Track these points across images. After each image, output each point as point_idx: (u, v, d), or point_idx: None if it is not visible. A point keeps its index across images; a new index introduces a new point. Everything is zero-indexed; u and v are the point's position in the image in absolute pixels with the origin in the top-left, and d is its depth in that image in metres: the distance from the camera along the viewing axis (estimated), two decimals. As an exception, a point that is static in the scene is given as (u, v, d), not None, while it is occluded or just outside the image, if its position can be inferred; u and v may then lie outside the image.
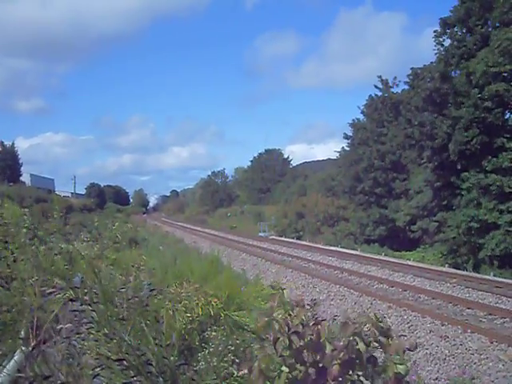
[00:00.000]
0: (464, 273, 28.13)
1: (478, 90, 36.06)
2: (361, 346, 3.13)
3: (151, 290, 4.44)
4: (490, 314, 17.57)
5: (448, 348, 14.11)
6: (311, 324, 3.26)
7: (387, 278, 24.96)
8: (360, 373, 3.16)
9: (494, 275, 26.40)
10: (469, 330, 15.62)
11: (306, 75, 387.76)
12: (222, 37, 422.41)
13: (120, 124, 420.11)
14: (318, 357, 3.18)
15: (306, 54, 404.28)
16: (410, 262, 32.00)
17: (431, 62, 42.05)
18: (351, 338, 3.15)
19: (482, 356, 13.41)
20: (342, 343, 3.15)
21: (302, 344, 3.18)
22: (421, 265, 31.16)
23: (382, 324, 3.21)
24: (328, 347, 3.17)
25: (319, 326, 3.24)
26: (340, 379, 3.11)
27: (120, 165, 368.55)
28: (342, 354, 3.13)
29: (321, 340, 3.19)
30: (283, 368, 3.15)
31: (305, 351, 3.20)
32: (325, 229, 57.01)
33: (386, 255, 37.32)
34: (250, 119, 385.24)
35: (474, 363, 13.10)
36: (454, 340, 14.88)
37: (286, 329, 3.22)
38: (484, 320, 17.04)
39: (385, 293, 21.33)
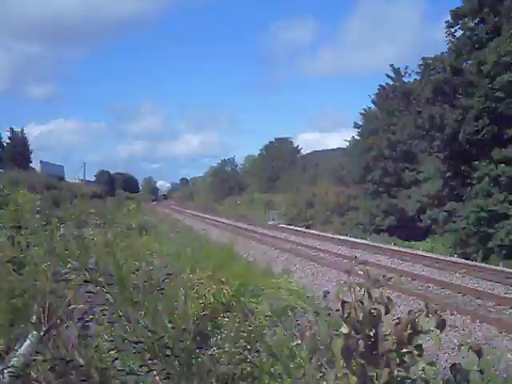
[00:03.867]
0: (473, 263, 28.05)
1: (488, 80, 35.90)
2: (423, 323, 3.19)
3: (168, 274, 4.44)
4: (499, 305, 17.53)
5: (457, 337, 14.10)
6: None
7: (396, 268, 24.94)
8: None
9: (503, 266, 26.34)
10: (477, 320, 15.63)
11: (322, 63, 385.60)
12: (237, 23, 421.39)
13: (132, 111, 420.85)
14: (374, 331, 3.23)
15: (322, 41, 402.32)
16: (419, 252, 31.95)
17: (442, 52, 41.92)
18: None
19: (490, 346, 13.41)
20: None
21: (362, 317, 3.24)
22: (430, 255, 31.07)
23: (439, 316, 3.26)
24: (386, 325, 3.22)
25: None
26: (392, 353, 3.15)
27: (131, 152, 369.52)
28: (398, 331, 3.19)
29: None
30: (342, 329, 3.17)
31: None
32: (334, 218, 57.00)
33: (395, 245, 37.29)
34: (263, 107, 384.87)
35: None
36: (462, 329, 14.88)
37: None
38: (493, 310, 17.00)
39: (394, 282, 21.34)
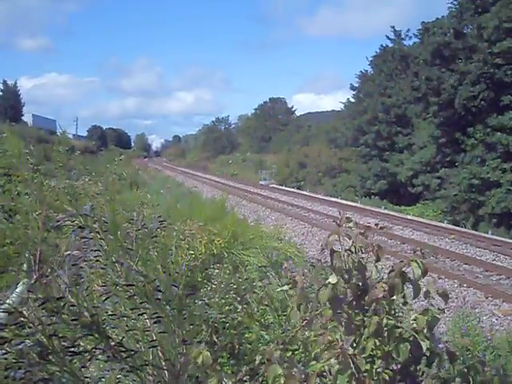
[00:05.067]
0: (463, 229, 28.22)
1: (488, 45, 35.66)
2: (416, 271, 3.20)
3: (161, 222, 4.43)
4: (487, 271, 17.70)
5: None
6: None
7: (386, 231, 25.06)
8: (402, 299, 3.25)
9: (492, 233, 26.49)
10: (465, 285, 15.79)
11: (321, 23, 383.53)
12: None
13: (125, 66, 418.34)
14: (362, 281, 3.26)
15: (320, 1, 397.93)
16: (409, 217, 32.08)
17: (442, 16, 41.59)
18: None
19: (476, 310, 13.55)
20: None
21: (350, 264, 3.26)
22: (420, 219, 31.25)
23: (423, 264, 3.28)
24: (374, 272, 3.24)
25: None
26: (383, 301, 3.18)
27: (123, 108, 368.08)
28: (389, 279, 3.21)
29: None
30: (330, 279, 3.19)
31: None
32: (326, 180, 57.03)
33: (385, 208, 37.40)
34: (258, 67, 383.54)
35: (468, 316, 13.26)
36: (450, 293, 14.99)
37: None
38: (480, 276, 17.17)
39: (384, 244, 21.31)
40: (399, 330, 3.17)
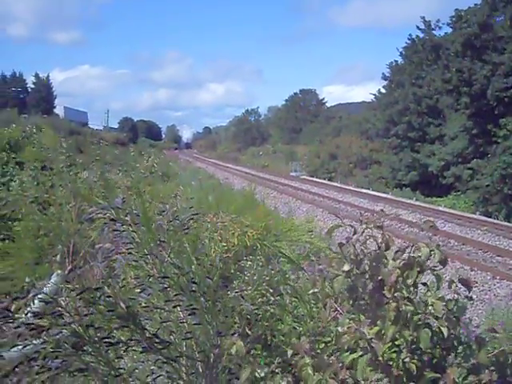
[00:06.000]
0: (495, 221, 27.90)
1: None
2: (424, 250, 3.24)
3: (194, 214, 4.45)
4: (520, 262, 17.54)
5: (476, 293, 14.12)
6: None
7: (417, 222, 24.88)
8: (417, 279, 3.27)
9: (526, 225, 26.17)
10: (498, 277, 15.65)
11: (353, 14, 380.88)
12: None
13: (157, 58, 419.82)
14: (377, 270, 3.29)
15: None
16: (440, 208, 31.85)
17: (475, 4, 41.04)
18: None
19: (510, 303, 13.41)
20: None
21: (364, 254, 3.31)
22: (452, 211, 30.98)
23: (440, 251, 3.31)
24: (390, 263, 3.26)
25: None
26: (397, 286, 3.20)
27: (154, 100, 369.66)
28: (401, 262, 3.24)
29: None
30: (345, 267, 3.23)
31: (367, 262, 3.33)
32: (357, 171, 56.75)
33: (417, 200, 37.17)
34: (289, 58, 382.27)
35: (502, 309, 13.14)
36: (482, 286, 14.91)
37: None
38: (514, 268, 17.01)
39: (415, 236, 21.26)
40: (419, 315, 3.18)
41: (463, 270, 16.40)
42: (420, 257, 3.28)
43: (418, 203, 34.13)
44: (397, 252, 3.31)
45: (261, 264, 6.02)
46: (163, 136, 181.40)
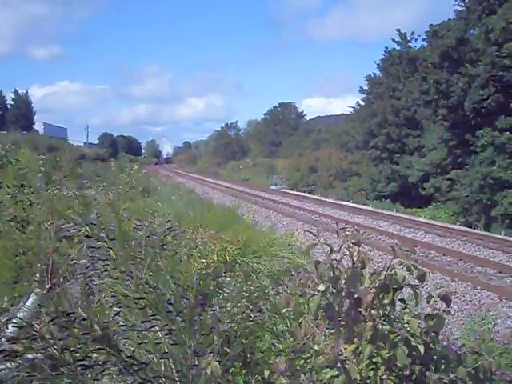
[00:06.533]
0: (475, 231, 28.07)
1: (496, 48, 35.53)
2: (399, 272, 3.24)
3: (169, 229, 4.43)
4: (500, 272, 17.60)
5: (457, 303, 14.16)
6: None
7: (398, 234, 25.00)
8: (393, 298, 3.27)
9: (505, 234, 26.34)
10: (478, 287, 15.70)
11: (331, 26, 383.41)
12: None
13: (136, 73, 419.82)
14: (353, 288, 3.29)
15: (332, 4, 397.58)
16: (421, 219, 32.00)
17: (449, 19, 41.52)
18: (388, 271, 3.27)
19: (490, 313, 13.47)
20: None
21: (340, 272, 3.31)
22: (432, 222, 31.15)
23: (418, 268, 3.33)
24: (366, 281, 3.26)
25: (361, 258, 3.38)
26: (374, 305, 3.20)
27: (134, 115, 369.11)
28: (378, 282, 3.24)
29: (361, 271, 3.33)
30: (320, 287, 3.22)
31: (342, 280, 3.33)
32: (337, 184, 56.90)
33: (397, 211, 37.31)
34: (269, 71, 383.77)
35: (483, 319, 13.19)
36: (463, 296, 14.94)
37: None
38: (494, 278, 17.06)
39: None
40: (394, 334, 3.18)
41: (444, 280, 16.47)
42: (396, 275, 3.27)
43: (398, 214, 34.27)
44: (372, 274, 3.30)
45: (240, 280, 6.01)
46: (143, 151, 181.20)
